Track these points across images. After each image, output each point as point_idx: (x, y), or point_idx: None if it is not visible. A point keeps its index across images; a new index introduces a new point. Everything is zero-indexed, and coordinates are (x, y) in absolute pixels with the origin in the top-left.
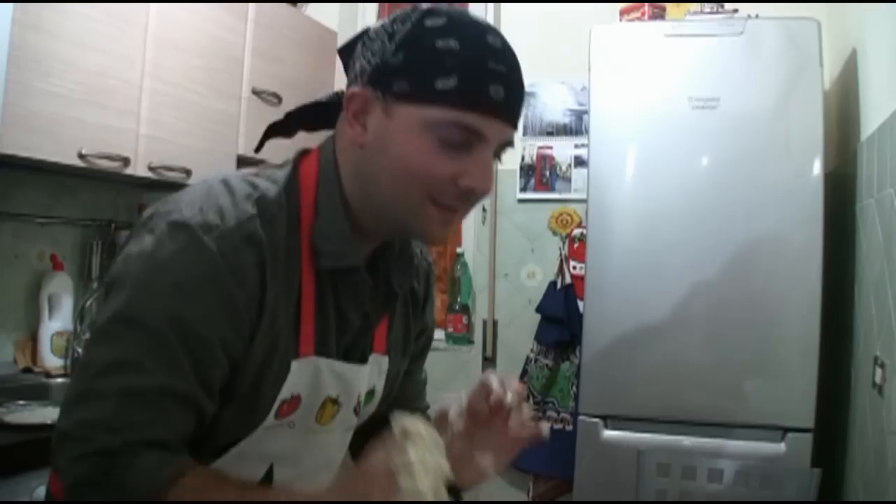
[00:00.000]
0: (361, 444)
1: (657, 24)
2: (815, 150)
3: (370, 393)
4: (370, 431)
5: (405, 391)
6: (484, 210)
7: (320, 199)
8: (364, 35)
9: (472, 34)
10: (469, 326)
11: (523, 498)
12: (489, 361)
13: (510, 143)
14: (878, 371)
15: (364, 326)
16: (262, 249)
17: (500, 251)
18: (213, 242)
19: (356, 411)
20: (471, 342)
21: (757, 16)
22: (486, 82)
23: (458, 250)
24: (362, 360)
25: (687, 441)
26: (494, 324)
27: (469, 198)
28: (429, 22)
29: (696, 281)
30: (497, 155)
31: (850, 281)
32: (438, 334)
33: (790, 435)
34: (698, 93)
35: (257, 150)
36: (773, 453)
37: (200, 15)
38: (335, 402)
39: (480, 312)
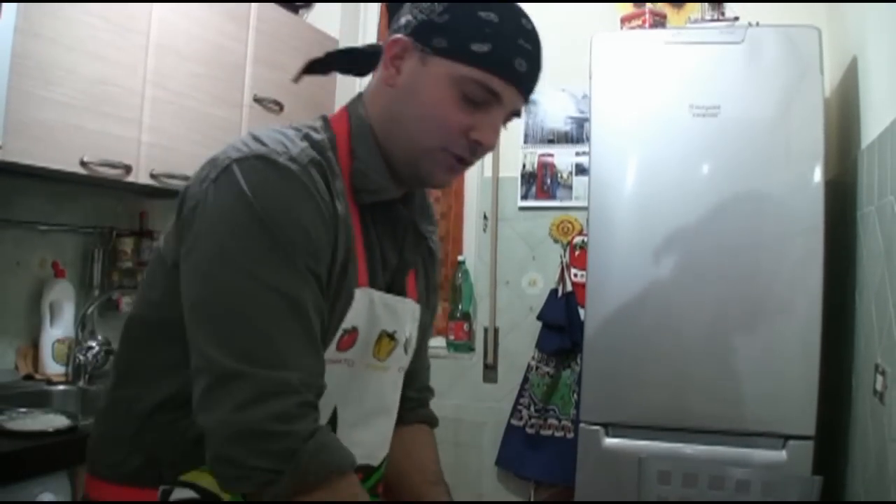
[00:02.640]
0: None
1: (658, 32)
2: (816, 157)
3: (408, 340)
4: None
5: (415, 361)
6: (485, 218)
7: (356, 143)
8: None
9: (509, 14)
10: (470, 334)
11: None
12: (490, 369)
13: (518, 114)
14: (879, 378)
15: (400, 266)
16: (325, 171)
17: (502, 259)
18: (289, 163)
19: (406, 349)
20: (472, 350)
21: (758, 23)
22: (514, 54)
23: (460, 258)
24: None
25: (688, 448)
26: (496, 331)
27: (476, 150)
28: None
29: (697, 289)
30: (505, 121)
31: (850, 288)
32: (439, 342)
33: (791, 442)
34: (699, 100)
35: (296, 79)
36: (774, 461)
37: (202, 22)
38: (391, 337)
39: (482, 320)
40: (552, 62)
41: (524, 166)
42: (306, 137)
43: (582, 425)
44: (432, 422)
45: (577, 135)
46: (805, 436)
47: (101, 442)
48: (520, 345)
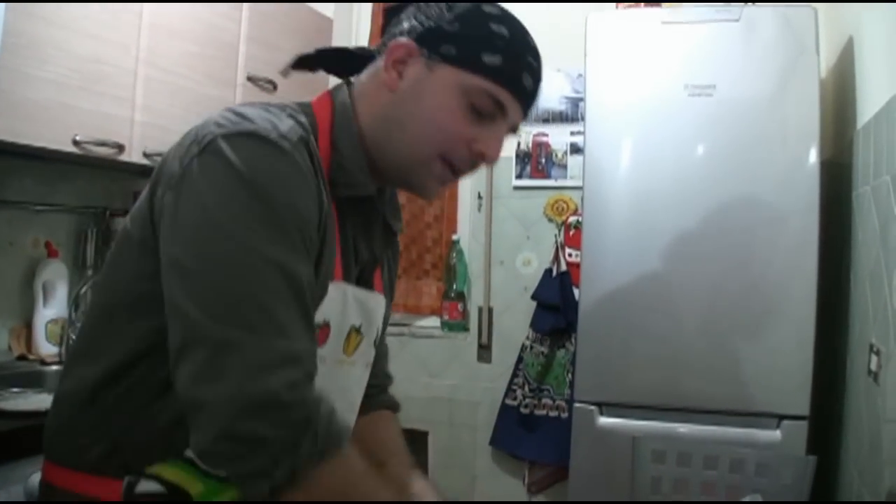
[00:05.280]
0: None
1: (654, 11)
2: (812, 137)
3: (375, 334)
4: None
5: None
6: (479, 197)
7: (338, 134)
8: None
9: (518, 29)
10: (464, 314)
11: (519, 485)
12: (484, 349)
13: (516, 129)
14: (874, 358)
15: (370, 259)
16: (312, 152)
17: (496, 238)
18: (279, 140)
19: (374, 343)
20: (466, 329)
21: (754, 2)
22: (523, 69)
23: (454, 237)
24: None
25: (682, 428)
26: (490, 311)
27: (476, 163)
28: (486, 7)
29: (692, 269)
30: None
31: (846, 268)
32: (434, 321)
33: (785, 422)
34: (694, 80)
35: (285, 73)
36: (768, 440)
37: (195, 1)
38: (359, 331)
39: (476, 300)
40: (547, 41)
41: (519, 145)
42: (291, 116)
43: (576, 405)
44: (395, 407)
45: (571, 114)
46: (799, 416)
47: (63, 426)
48: (514, 324)
